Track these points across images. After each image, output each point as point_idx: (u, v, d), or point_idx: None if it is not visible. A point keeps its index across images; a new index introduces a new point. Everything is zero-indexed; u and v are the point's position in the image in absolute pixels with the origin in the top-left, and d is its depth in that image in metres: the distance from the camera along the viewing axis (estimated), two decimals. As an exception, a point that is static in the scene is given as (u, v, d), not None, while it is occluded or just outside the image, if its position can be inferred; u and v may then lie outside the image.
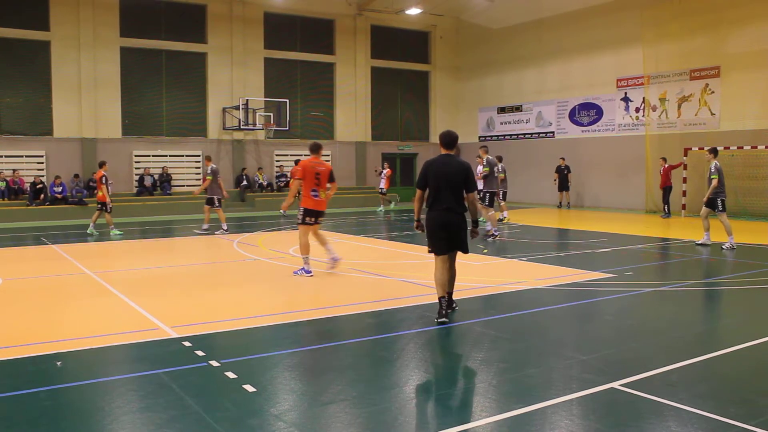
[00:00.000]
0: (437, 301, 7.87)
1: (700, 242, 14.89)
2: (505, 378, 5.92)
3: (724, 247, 14.14)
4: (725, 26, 23.11)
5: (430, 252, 8.04)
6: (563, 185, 27.57)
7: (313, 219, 11.11)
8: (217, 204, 18.17)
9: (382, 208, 27.50)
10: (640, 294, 9.67)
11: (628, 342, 7.20)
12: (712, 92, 23.71)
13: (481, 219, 16.84)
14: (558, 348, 6.86)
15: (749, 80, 22.54)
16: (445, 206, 7.77)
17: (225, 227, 18.04)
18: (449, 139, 8.00)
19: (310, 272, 10.94)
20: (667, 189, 22.66)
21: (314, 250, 11.40)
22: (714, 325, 8.28)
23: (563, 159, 27.60)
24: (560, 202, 27.88)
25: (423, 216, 8.16)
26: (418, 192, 8.06)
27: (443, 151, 8.00)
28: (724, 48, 23.22)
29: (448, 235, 7.82)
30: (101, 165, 18.00)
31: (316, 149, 11.26)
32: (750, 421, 4.80)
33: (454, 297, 8.29)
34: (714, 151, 14.73)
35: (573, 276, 11.09)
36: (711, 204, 14.42)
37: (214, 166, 18.47)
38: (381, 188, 27.57)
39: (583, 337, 7.42)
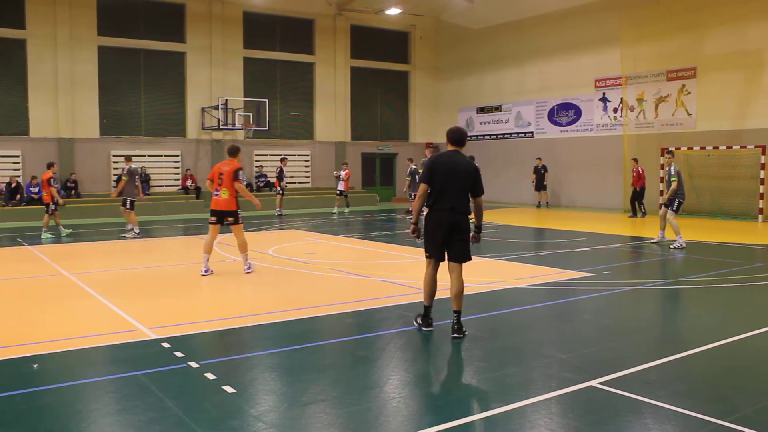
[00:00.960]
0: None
1: (655, 240, 15.20)
2: (485, 377, 5.95)
3: (672, 246, 14.31)
4: (701, 28, 23.38)
5: (427, 256, 7.42)
6: (540, 185, 27.79)
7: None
8: (128, 206, 17.38)
9: (336, 209, 26.17)
10: (617, 293, 9.75)
11: (607, 341, 7.26)
12: (689, 93, 23.97)
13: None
14: (537, 347, 6.90)
15: (724, 81, 22.83)
16: (450, 206, 7.15)
17: (137, 230, 17.43)
18: (459, 136, 7.39)
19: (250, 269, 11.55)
20: (642, 189, 22.66)
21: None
22: (690, 323, 8.37)
23: (540, 159, 27.80)
24: (539, 202, 28.08)
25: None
26: (422, 187, 7.30)
27: (450, 148, 7.38)
28: (700, 49, 23.49)
29: (447, 237, 7.17)
30: (49, 166, 17.46)
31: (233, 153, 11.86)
32: (726, 418, 4.86)
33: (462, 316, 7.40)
34: (672, 153, 15.13)
35: (551, 275, 11.16)
36: (669, 204, 14.72)
37: (133, 166, 17.70)
38: (340, 189, 26.12)
39: (562, 336, 7.47)
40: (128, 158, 18.03)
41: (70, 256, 14.23)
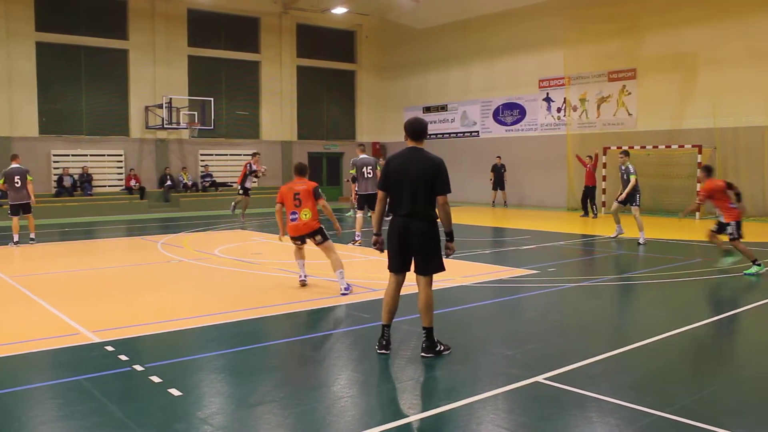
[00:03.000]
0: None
1: (614, 236, 15.61)
2: (432, 375, 6.00)
3: (640, 242, 14.72)
4: (640, 31, 23.99)
5: (388, 268, 6.66)
6: (498, 183, 27.83)
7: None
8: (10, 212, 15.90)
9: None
10: (562, 289, 9.94)
11: (552, 337, 7.39)
12: (629, 93, 24.56)
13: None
14: (484, 344, 6.99)
15: (663, 83, 23.48)
16: (406, 211, 6.39)
17: (15, 238, 15.35)
18: (414, 127, 6.50)
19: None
20: (591, 189, 22.57)
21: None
22: (632, 318, 8.57)
23: (499, 158, 27.88)
24: (493, 201, 28.19)
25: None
26: (379, 194, 6.59)
27: (409, 144, 6.54)
28: (639, 51, 24.10)
29: (404, 247, 6.43)
30: None
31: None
32: (665, 409, 5.01)
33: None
34: (627, 153, 15.55)
35: (499, 273, 11.31)
36: (627, 200, 15.08)
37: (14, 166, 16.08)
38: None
39: (509, 333, 7.58)
40: (14, 156, 16.23)
41: (9, 259, 13.83)
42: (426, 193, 6.34)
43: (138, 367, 6.06)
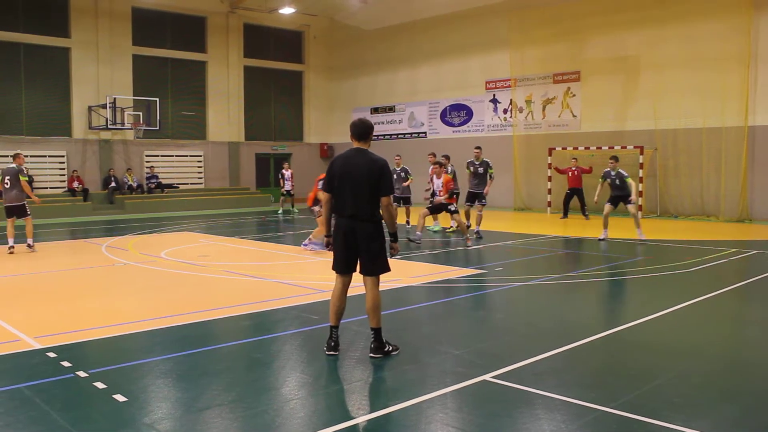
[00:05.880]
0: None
1: (602, 237, 15.76)
2: (381, 375, 6.02)
3: (642, 238, 15.39)
4: (584, 34, 24.48)
5: (333, 268, 6.72)
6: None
7: None
8: None
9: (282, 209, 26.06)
10: (509, 288, 10.07)
11: (499, 335, 7.50)
12: (574, 95, 25.03)
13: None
14: (432, 344, 7.03)
15: (606, 85, 24.01)
16: (349, 212, 6.43)
17: (10, 242, 14.50)
18: (358, 129, 6.54)
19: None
20: (577, 191, 22.03)
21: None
22: (578, 315, 8.73)
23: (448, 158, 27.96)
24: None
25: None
26: (325, 196, 6.64)
27: (355, 144, 6.57)
28: (583, 54, 24.59)
29: (349, 249, 6.47)
30: None
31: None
32: (609, 404, 5.14)
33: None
34: (617, 159, 15.96)
35: (445, 273, 11.40)
36: (621, 200, 15.57)
37: None
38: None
39: (456, 333, 7.65)
40: None
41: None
42: (370, 195, 6.37)
43: (81, 374, 5.93)
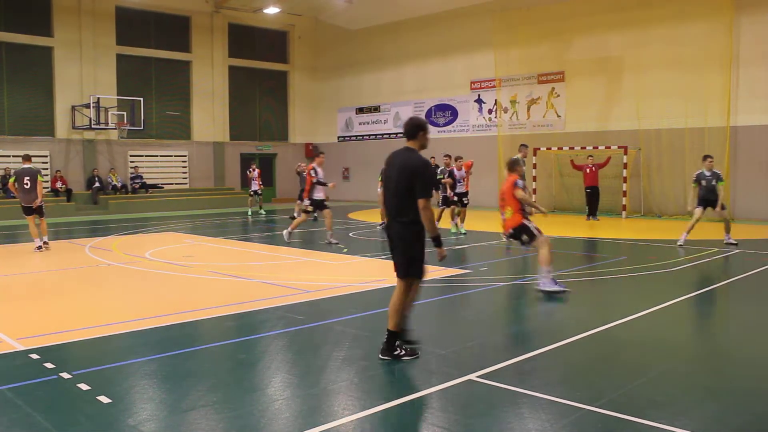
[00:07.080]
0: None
1: (680, 243, 14.55)
2: (367, 375, 6.03)
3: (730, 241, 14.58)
4: (568, 35, 24.62)
5: None
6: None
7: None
8: None
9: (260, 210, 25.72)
10: (494, 288, 10.11)
11: (484, 335, 7.52)
12: (558, 96, 25.17)
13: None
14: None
15: (590, 85, 24.18)
16: (389, 213, 6.38)
17: (37, 243, 14.84)
18: (405, 127, 6.41)
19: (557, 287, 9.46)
20: (594, 190, 21.57)
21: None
22: (561, 315, 8.77)
23: (433, 158, 27.94)
24: (438, 201, 28.19)
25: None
26: (379, 193, 6.82)
27: (407, 143, 6.43)
28: (567, 55, 24.74)
29: (390, 250, 6.44)
30: None
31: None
32: (594, 403, 5.17)
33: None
34: (711, 158, 14.66)
35: (431, 272, 11.38)
36: (711, 204, 14.35)
37: None
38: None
39: (442, 332, 7.67)
40: None
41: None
42: (405, 196, 6.16)
43: (65, 375, 5.90)
